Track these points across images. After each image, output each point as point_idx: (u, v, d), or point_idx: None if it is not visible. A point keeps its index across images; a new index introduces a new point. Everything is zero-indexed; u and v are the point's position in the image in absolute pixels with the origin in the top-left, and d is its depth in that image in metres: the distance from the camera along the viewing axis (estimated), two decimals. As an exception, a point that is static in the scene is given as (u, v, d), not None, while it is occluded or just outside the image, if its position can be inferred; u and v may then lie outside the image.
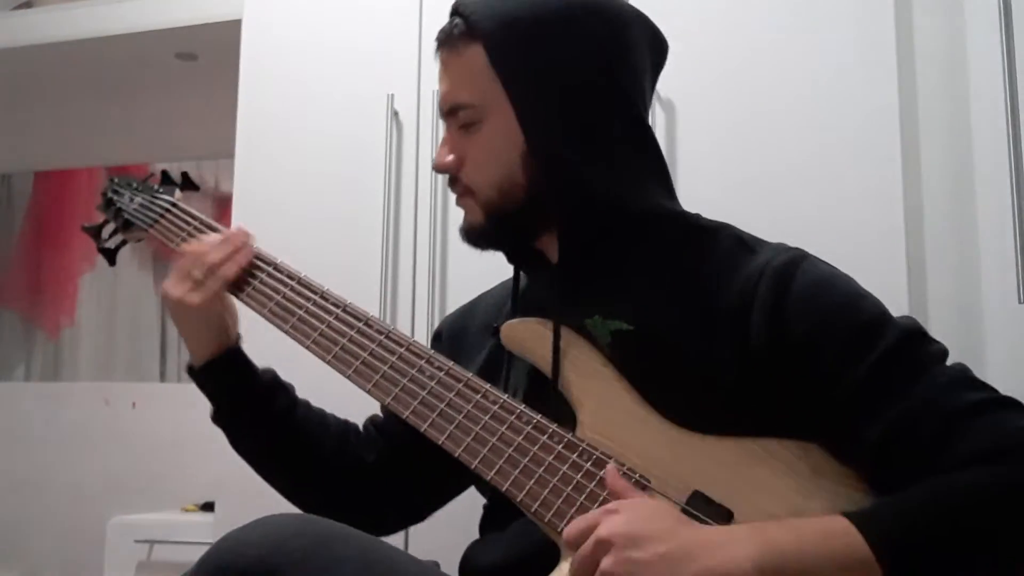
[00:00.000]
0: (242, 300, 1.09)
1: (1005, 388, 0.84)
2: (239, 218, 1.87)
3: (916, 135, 1.53)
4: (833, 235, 1.47)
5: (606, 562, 0.73)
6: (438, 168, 1.01)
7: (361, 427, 1.18)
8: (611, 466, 0.85)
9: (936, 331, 0.88)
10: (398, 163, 1.80)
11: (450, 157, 1.00)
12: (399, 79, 1.82)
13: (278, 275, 1.08)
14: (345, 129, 1.84)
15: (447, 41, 0.99)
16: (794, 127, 1.57)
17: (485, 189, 0.98)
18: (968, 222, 1.49)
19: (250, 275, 1.09)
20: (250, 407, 1.09)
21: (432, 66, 1.81)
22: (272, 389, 1.11)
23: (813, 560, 0.72)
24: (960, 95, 1.52)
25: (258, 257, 1.10)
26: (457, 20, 0.98)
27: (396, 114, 1.80)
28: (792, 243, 0.96)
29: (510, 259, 1.05)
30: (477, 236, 1.02)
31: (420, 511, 1.19)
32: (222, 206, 2.72)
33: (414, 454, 1.09)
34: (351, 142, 1.83)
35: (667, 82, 1.60)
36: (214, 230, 1.15)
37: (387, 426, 1.15)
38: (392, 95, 1.80)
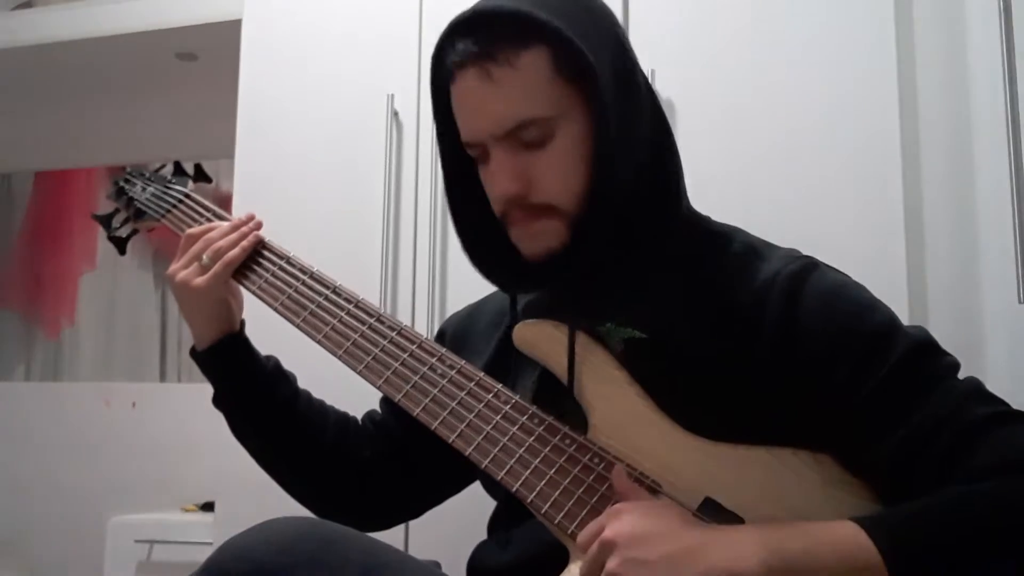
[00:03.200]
0: (253, 293, 1.09)
1: (1005, 388, 0.84)
2: (239, 218, 1.87)
3: (916, 136, 1.53)
4: (833, 235, 1.47)
5: (611, 563, 0.72)
6: (508, 198, 0.91)
7: (360, 421, 1.17)
8: (619, 467, 0.84)
9: (936, 331, 0.88)
10: (398, 163, 1.80)
11: (517, 182, 0.89)
12: (399, 79, 1.81)
13: (291, 269, 1.08)
14: (345, 129, 1.84)
15: (491, 55, 0.87)
16: (794, 127, 1.57)
17: (570, 204, 0.90)
18: (968, 222, 1.49)
19: (262, 268, 1.09)
20: (252, 392, 1.09)
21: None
22: (275, 376, 1.11)
23: (821, 562, 0.72)
24: (960, 95, 1.52)
25: (269, 249, 1.10)
26: (499, 28, 0.87)
27: (396, 114, 1.80)
28: (791, 244, 0.96)
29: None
30: (562, 261, 0.91)
31: (414, 508, 1.19)
32: (222, 206, 2.71)
33: (411, 452, 1.10)
34: (351, 142, 1.83)
35: (667, 82, 1.61)
36: (226, 220, 1.15)
37: (385, 422, 1.14)
38: (392, 95, 1.80)
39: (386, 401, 1.15)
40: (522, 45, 0.87)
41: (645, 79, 0.95)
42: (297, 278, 1.07)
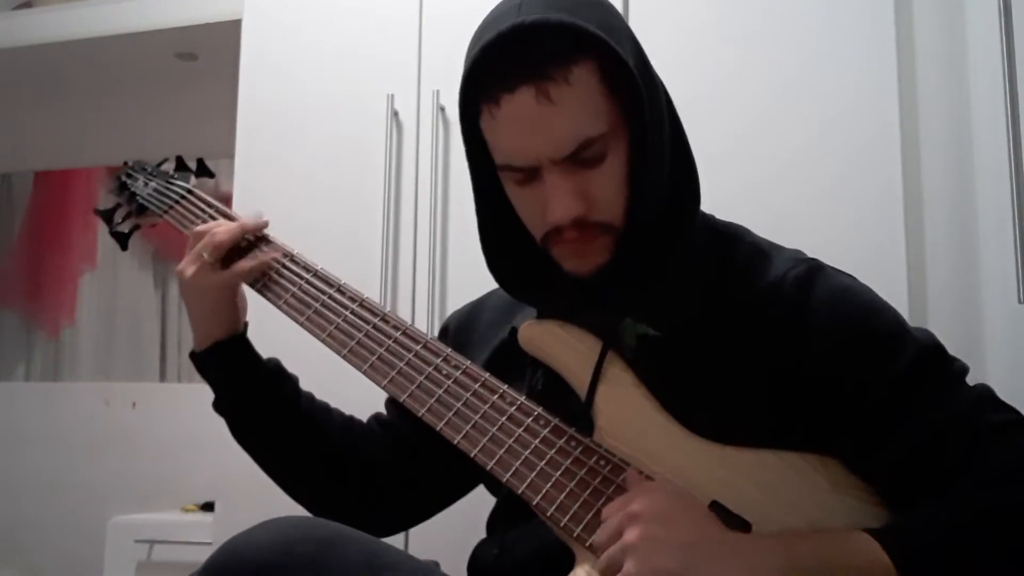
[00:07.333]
0: (257, 291, 1.07)
1: (1005, 388, 0.84)
2: (239, 218, 1.87)
3: (916, 135, 1.53)
4: (833, 235, 1.47)
5: (630, 534, 0.72)
6: (570, 220, 0.86)
7: (365, 423, 1.15)
8: (632, 470, 0.83)
9: (936, 331, 0.87)
10: (398, 163, 1.80)
11: (580, 202, 0.85)
12: (399, 79, 1.81)
13: (293, 267, 1.07)
14: (345, 129, 1.84)
15: (544, 73, 0.80)
16: (794, 128, 1.57)
17: (621, 220, 0.88)
18: (968, 223, 1.49)
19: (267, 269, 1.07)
20: (253, 394, 1.07)
21: (432, 66, 1.83)
22: (277, 378, 1.09)
23: (836, 574, 0.72)
24: (960, 95, 1.52)
25: (271, 245, 1.09)
26: (546, 43, 0.81)
27: (396, 114, 1.80)
28: (791, 243, 0.96)
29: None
30: (606, 275, 0.90)
31: (421, 512, 1.17)
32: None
33: (419, 454, 1.08)
34: (351, 142, 1.83)
35: (667, 82, 1.60)
36: (231, 218, 1.14)
37: (392, 423, 1.13)
38: (392, 95, 1.80)
39: (392, 402, 1.15)
40: (571, 60, 0.81)
41: (659, 76, 0.93)
42: (301, 276, 1.05)
